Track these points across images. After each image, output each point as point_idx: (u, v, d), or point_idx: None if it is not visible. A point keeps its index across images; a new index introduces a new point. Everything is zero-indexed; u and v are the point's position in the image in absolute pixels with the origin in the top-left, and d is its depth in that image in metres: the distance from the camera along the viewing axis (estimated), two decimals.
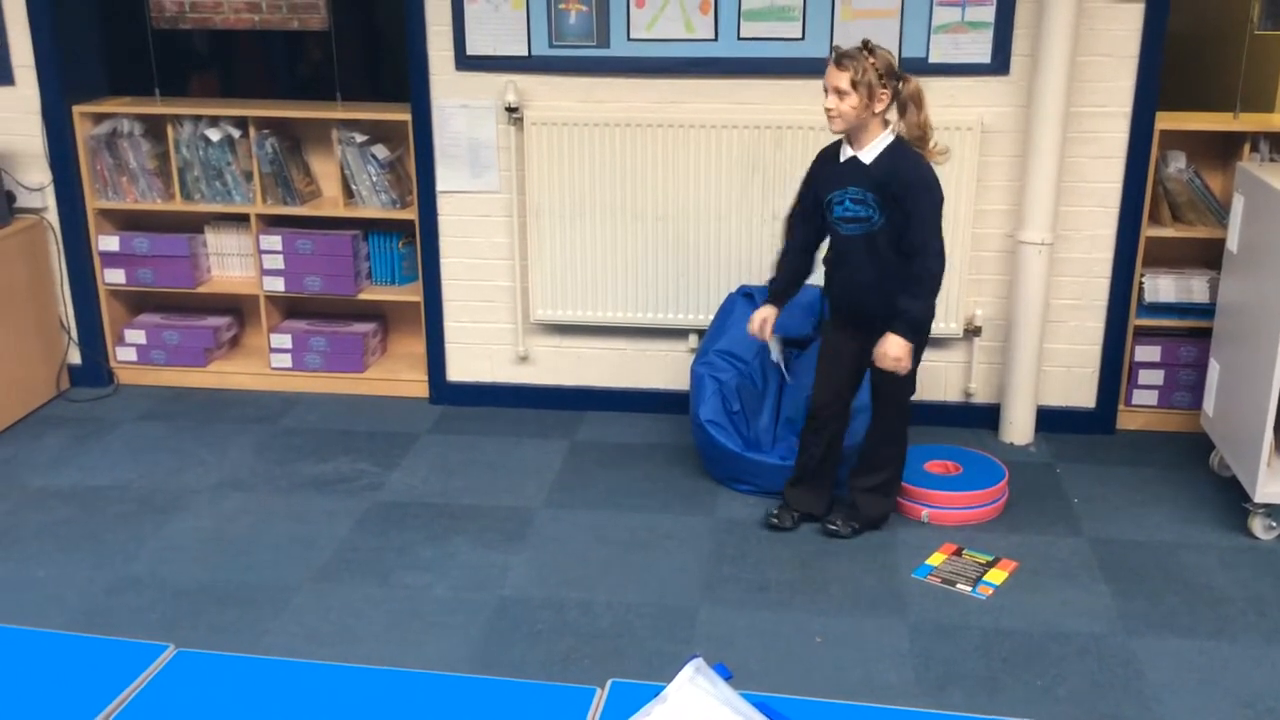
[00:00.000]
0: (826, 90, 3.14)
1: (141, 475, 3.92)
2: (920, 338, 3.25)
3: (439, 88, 4.13)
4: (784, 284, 3.49)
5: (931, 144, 3.17)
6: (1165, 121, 3.93)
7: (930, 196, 3.14)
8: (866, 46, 3.10)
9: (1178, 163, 4.04)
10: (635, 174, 4.08)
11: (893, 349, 3.20)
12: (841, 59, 3.09)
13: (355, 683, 1.87)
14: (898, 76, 3.11)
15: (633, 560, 3.39)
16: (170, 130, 4.40)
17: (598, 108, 4.07)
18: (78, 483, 3.87)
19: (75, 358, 4.64)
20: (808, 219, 3.39)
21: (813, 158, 4.04)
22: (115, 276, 4.55)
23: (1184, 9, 4.18)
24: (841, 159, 3.25)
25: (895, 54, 3.43)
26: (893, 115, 3.17)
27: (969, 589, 3.24)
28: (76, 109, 4.38)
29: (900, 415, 3.46)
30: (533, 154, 4.11)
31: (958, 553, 3.42)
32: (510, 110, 4.09)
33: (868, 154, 3.18)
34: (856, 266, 3.27)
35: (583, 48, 4.03)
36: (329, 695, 1.83)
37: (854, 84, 3.07)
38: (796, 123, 3.97)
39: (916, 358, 3.28)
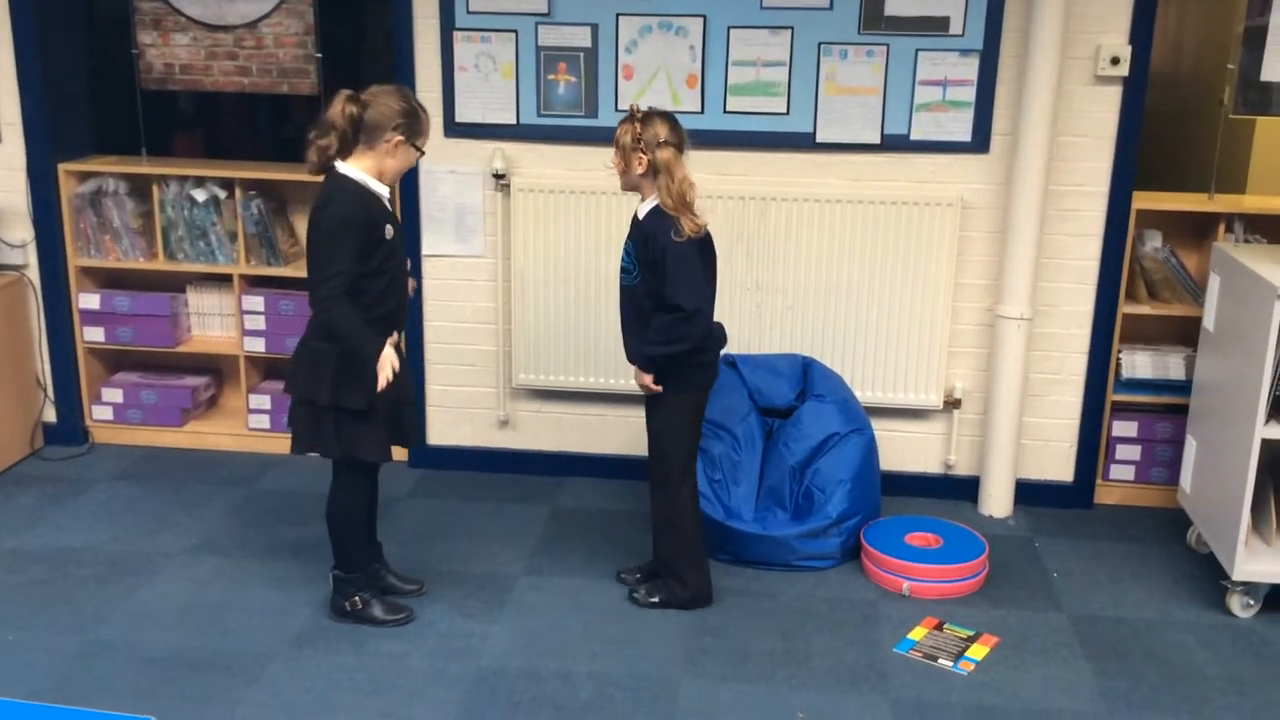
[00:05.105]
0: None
1: (115, 537, 3.87)
2: (663, 368, 3.32)
3: (427, 153, 4.15)
4: None
5: (691, 213, 3.20)
6: (1142, 201, 4.01)
7: (677, 261, 3.20)
8: (634, 113, 3.21)
9: (1154, 241, 4.11)
10: (620, 242, 4.02)
11: (636, 378, 3.37)
12: (622, 120, 3.23)
13: None
14: (655, 145, 3.16)
15: (613, 630, 3.36)
16: (155, 190, 4.40)
17: (584, 176, 4.11)
18: (50, 544, 3.81)
19: (50, 416, 4.59)
20: None
21: (796, 231, 4.10)
22: (94, 334, 4.52)
23: (1160, 90, 4.27)
24: (635, 214, 3.36)
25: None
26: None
27: (950, 664, 3.23)
28: (62, 167, 4.38)
29: (668, 502, 3.44)
30: (518, 220, 4.13)
31: (939, 627, 3.41)
32: (497, 177, 4.13)
33: (641, 212, 3.30)
34: (624, 311, 3.41)
35: (571, 117, 4.08)
36: None
37: (615, 143, 3.23)
38: (780, 194, 4.02)
39: (675, 406, 3.35)
